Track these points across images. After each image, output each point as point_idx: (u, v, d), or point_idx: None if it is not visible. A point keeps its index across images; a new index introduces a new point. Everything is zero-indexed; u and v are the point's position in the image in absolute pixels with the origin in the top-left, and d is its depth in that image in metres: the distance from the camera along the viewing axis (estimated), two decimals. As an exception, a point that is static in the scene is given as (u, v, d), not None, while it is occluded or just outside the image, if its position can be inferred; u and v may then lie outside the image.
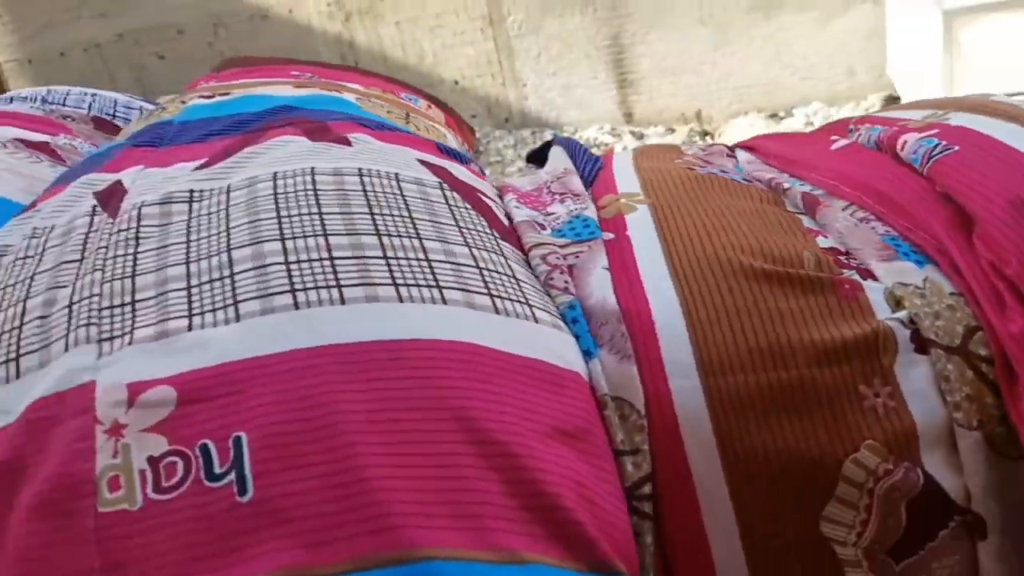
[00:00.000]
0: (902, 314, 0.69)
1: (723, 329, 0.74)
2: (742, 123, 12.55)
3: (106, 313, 0.89)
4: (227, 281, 0.89)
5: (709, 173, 1.06)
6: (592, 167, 1.14)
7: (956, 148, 0.82)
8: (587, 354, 0.81)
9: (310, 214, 0.97)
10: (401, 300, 0.84)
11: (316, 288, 0.85)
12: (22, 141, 1.56)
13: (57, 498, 0.75)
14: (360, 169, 1.08)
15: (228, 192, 1.06)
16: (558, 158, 1.26)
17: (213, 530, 0.71)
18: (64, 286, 0.96)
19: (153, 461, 0.76)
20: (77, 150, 1.64)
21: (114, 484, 0.76)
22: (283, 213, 0.98)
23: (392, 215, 0.98)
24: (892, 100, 12.60)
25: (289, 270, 0.88)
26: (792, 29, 11.99)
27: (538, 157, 1.48)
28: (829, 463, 0.68)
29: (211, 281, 0.90)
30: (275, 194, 1.01)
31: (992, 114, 0.83)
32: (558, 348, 0.82)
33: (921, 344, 0.68)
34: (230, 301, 0.86)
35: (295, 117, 1.32)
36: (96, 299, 0.91)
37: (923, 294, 0.68)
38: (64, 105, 1.82)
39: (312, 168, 1.07)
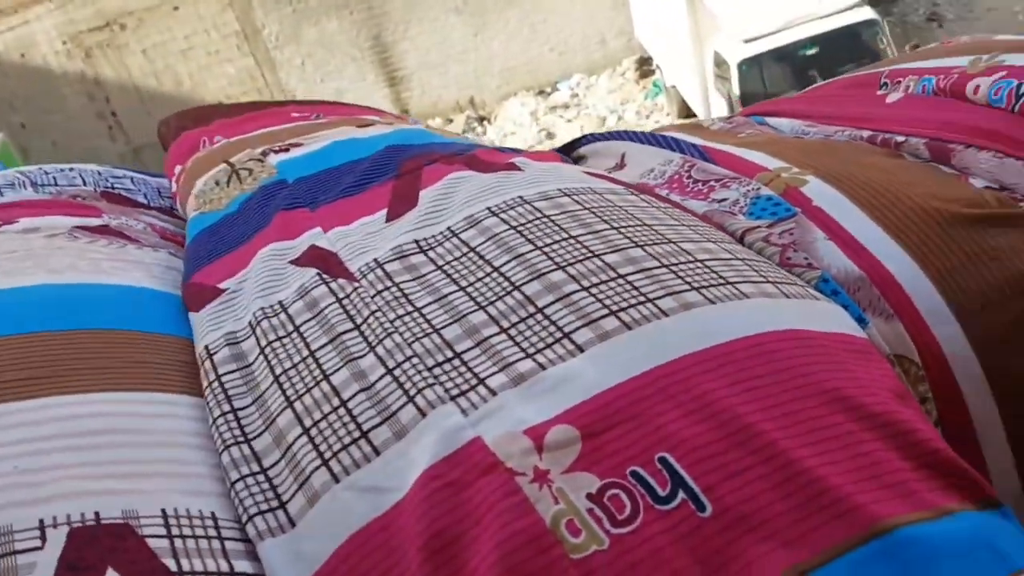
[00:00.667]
0: None
1: (962, 274, 0.79)
2: (514, 103, 12.80)
3: (438, 371, 0.85)
4: (538, 317, 0.86)
5: (818, 139, 1.10)
6: (697, 150, 1.17)
7: None
8: (860, 321, 0.82)
9: (564, 239, 0.93)
10: (712, 302, 0.83)
11: (632, 306, 0.83)
12: (83, 228, 1.40)
13: (521, 560, 0.70)
14: (561, 189, 1.04)
15: (456, 236, 1.02)
16: (642, 151, 1.27)
17: (694, 551, 0.68)
18: (360, 355, 0.91)
19: (594, 498, 0.72)
20: (131, 227, 1.49)
21: (572, 529, 0.71)
22: (538, 243, 0.94)
23: (629, 225, 0.95)
24: (644, 62, 13.17)
25: (593, 294, 0.85)
26: (543, 7, 12.39)
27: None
28: None
29: (523, 320, 0.87)
30: (512, 228, 0.98)
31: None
32: (844, 320, 0.84)
33: None
34: (559, 335, 0.83)
35: (418, 154, 1.28)
36: (415, 360, 0.87)
37: None
38: (57, 185, 1.64)
39: (520, 197, 1.03)
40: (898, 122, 0.98)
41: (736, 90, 8.52)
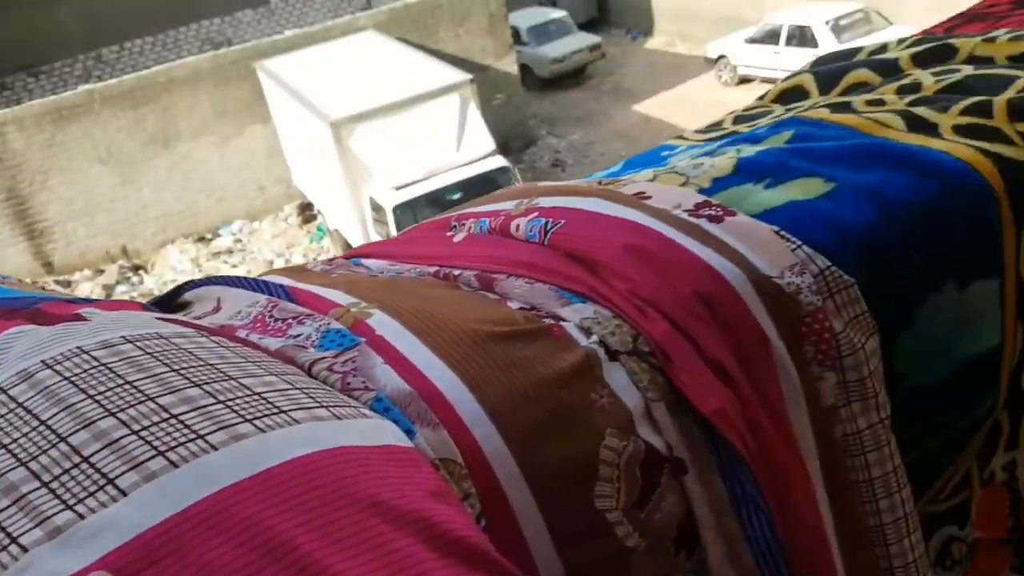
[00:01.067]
0: (594, 338, 0.92)
1: (495, 383, 0.91)
2: (173, 251, 12.34)
3: None
4: (84, 466, 0.85)
5: (391, 276, 1.19)
6: (283, 291, 1.18)
7: (563, 222, 1.07)
8: (408, 433, 0.92)
9: (120, 386, 0.94)
10: (263, 431, 0.87)
11: (181, 444, 0.85)
12: None
13: None
14: (125, 336, 1.04)
15: (5, 392, 0.96)
16: (235, 295, 1.26)
17: None
18: None
19: None
20: None
21: None
22: (90, 392, 0.93)
23: (191, 367, 0.98)
24: (307, 207, 13.35)
25: (142, 437, 0.86)
26: (194, 156, 12.27)
27: (165, 303, 1.41)
28: (591, 455, 0.88)
29: (67, 471, 0.85)
30: (65, 379, 0.96)
31: (568, 193, 1.11)
32: (392, 433, 0.92)
33: (612, 355, 0.91)
34: (103, 481, 0.83)
35: None
36: None
37: (599, 321, 0.92)
38: None
39: (79, 347, 1.01)
40: (459, 258, 1.13)
41: (394, 232, 9.01)
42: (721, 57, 14.32)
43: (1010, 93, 0.93)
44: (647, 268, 0.86)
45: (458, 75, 10.26)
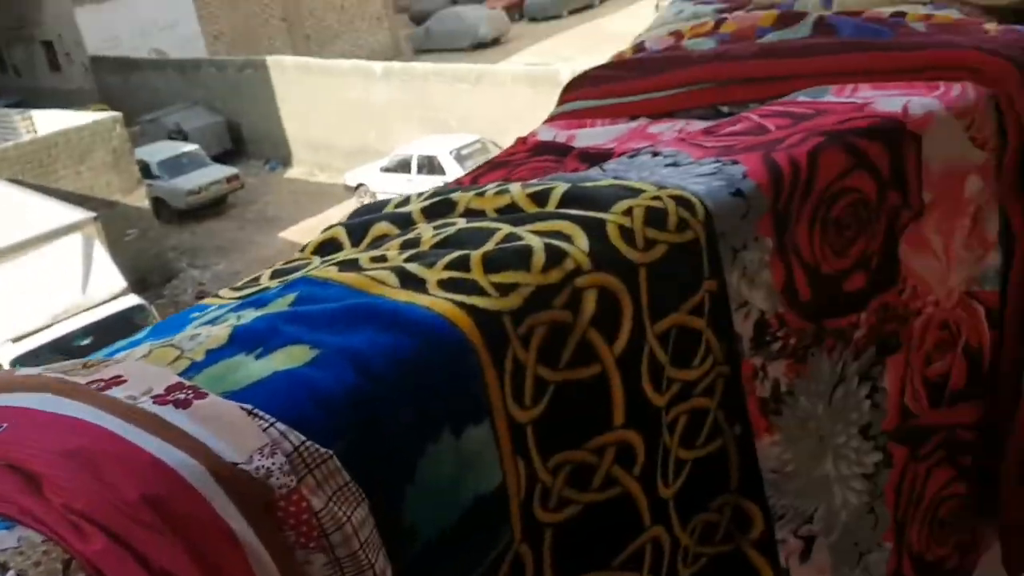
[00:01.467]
0: (11, 574, 0.77)
1: None
2: None
3: None
4: None
5: None
6: None
7: (5, 425, 0.89)
8: None
9: None
10: None
11: None
12: None
13: None
14: None
15: None
16: None
17: None
18: None
19: None
20: None
21: None
22: None
23: None
24: None
25: None
26: None
27: None
28: None
29: None
30: None
31: (18, 388, 0.92)
32: None
33: None
34: None
35: None
36: None
37: (22, 551, 0.76)
38: None
39: None
40: None
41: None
42: (360, 185, 14.90)
43: (489, 246, 1.00)
44: (88, 475, 0.75)
45: (79, 214, 9.63)
